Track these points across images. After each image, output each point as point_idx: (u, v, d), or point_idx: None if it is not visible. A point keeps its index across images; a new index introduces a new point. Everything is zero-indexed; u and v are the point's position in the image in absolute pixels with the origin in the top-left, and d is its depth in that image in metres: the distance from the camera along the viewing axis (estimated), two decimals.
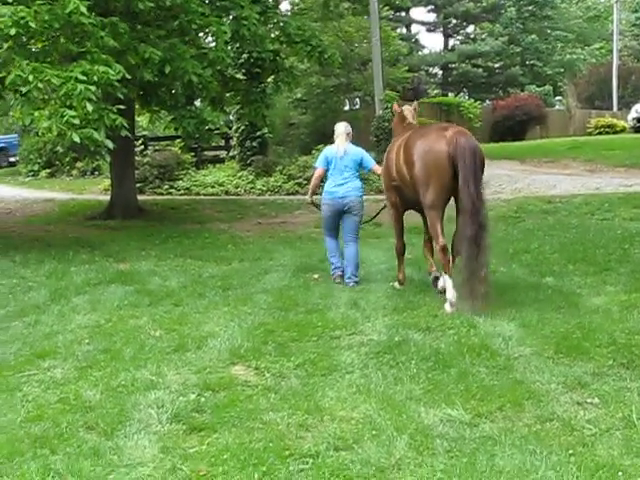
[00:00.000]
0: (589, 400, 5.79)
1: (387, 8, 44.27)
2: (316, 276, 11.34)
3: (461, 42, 61.22)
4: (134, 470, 4.90)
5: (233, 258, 13.60)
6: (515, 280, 10.44)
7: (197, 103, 20.00)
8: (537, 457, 4.84)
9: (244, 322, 8.49)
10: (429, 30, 62.42)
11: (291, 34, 20.43)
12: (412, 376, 6.39)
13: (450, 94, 56.45)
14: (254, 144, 26.66)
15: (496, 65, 58.17)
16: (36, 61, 13.34)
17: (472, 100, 46.87)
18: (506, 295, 9.30)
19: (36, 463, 4.97)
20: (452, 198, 9.23)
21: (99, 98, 13.28)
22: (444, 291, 9.12)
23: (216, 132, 23.57)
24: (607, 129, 41.25)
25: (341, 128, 11.17)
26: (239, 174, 25.66)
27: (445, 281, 9.09)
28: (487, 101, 54.22)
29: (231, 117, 27.38)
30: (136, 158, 22.72)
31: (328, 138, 11.88)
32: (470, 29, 63.03)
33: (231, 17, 18.30)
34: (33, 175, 30.40)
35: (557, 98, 57.37)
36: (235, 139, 27.77)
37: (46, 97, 13.31)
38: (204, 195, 23.96)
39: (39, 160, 30.63)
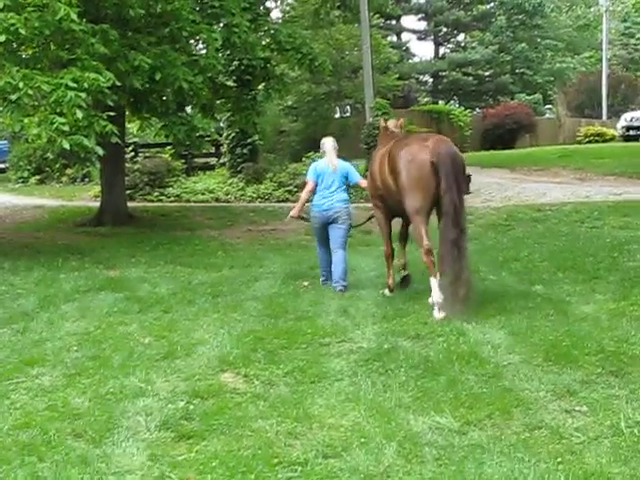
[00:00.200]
0: (577, 408, 5.79)
1: (378, 16, 44.35)
2: (306, 283, 11.34)
3: (451, 50, 61.35)
4: (122, 478, 4.89)
5: (223, 265, 13.59)
6: (505, 288, 10.45)
7: (188, 110, 19.97)
8: (525, 465, 4.85)
9: (233, 329, 8.48)
10: (420, 38, 62.55)
11: (282, 42, 20.48)
12: (401, 384, 6.39)
13: (440, 102, 56.51)
14: (244, 151, 26.65)
15: (486, 73, 58.31)
16: (26, 68, 13.32)
17: (462, 108, 46.96)
18: (495, 303, 9.32)
19: (23, 471, 4.95)
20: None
21: (89, 105, 13.26)
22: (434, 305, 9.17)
23: (207, 139, 23.53)
24: (597, 138, 41.39)
25: (330, 144, 11.48)
26: (229, 181, 25.64)
27: (431, 283, 9.17)
28: (477, 109, 54.34)
29: (222, 124, 27.36)
30: (126, 165, 22.66)
31: (319, 145, 11.94)
32: (460, 37, 63.21)
33: (222, 24, 18.31)
34: (23, 182, 30.27)
35: (547, 106, 57.63)
36: (225, 146, 27.75)
37: (36, 104, 13.28)
38: (194, 202, 23.91)
39: (29, 167, 30.53)
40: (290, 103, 40.16)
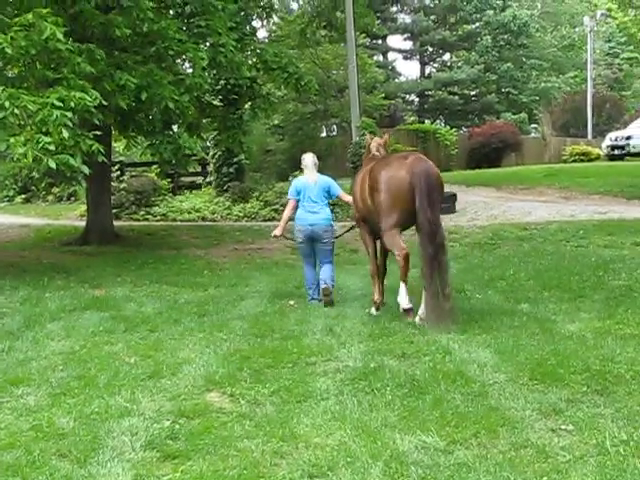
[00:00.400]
0: (563, 427, 5.80)
1: (364, 36, 44.64)
2: (292, 302, 11.33)
3: (437, 70, 61.75)
4: None
5: (209, 284, 13.57)
6: (490, 306, 10.46)
7: (174, 129, 19.99)
8: None
9: (219, 348, 8.46)
10: (405, 58, 62.96)
11: (268, 61, 20.54)
12: (387, 403, 6.39)
13: (427, 121, 56.83)
14: (231, 170, 26.71)
15: (472, 93, 58.66)
16: (12, 87, 13.29)
17: (448, 127, 47.31)
18: (481, 321, 9.33)
19: None
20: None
21: (75, 124, 13.25)
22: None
23: (193, 158, 23.56)
24: (582, 157, 41.59)
25: (309, 159, 11.81)
26: (216, 200, 25.67)
27: (400, 288, 9.76)
28: (463, 128, 54.66)
29: (208, 143, 27.40)
30: (112, 184, 22.61)
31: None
32: (446, 57, 63.68)
33: (208, 44, 18.34)
34: (8, 201, 30.25)
35: (532, 126, 57.92)
36: (212, 165, 27.79)
37: (22, 123, 13.25)
38: (181, 221, 23.91)
39: (15, 186, 30.52)
40: (276, 122, 40.29)
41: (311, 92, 23.43)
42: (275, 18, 31.13)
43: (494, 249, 17.07)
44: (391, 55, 61.96)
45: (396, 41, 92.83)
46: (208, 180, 29.22)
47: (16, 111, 12.75)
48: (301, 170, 12.15)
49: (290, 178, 23.59)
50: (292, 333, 9.16)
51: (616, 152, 36.85)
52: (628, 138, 36.58)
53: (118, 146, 26.41)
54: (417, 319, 9.40)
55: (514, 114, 54.43)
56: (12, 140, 12.88)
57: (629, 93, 64.71)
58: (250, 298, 11.98)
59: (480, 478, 4.93)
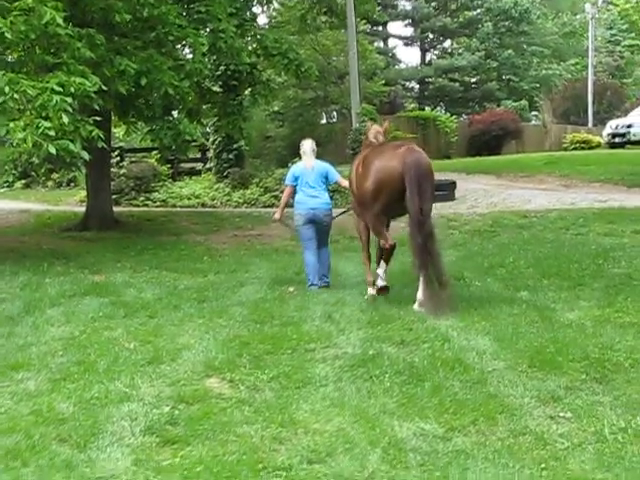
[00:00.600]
0: (562, 414, 5.81)
1: (364, 22, 44.52)
2: (291, 289, 11.34)
3: (438, 56, 61.55)
4: None
5: (209, 270, 13.59)
6: (490, 294, 10.47)
7: (174, 115, 19.96)
8: (510, 471, 4.86)
9: (219, 334, 8.47)
10: (406, 44, 62.74)
11: (268, 47, 20.51)
12: (386, 390, 6.40)
13: (427, 108, 56.72)
14: (231, 156, 26.69)
15: (472, 80, 58.54)
16: (12, 72, 13.28)
17: (448, 114, 47.17)
18: (480, 309, 9.33)
19: (7, 476, 4.94)
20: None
21: (75, 109, 13.23)
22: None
23: (193, 144, 23.54)
24: (582, 145, 41.52)
25: (308, 145, 11.96)
26: (215, 186, 25.65)
27: (381, 266, 10.28)
28: (463, 115, 54.57)
29: (208, 129, 27.38)
30: (112, 170, 22.62)
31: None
32: (447, 44, 63.46)
33: (208, 30, 18.31)
34: (8, 186, 30.25)
35: (533, 113, 57.85)
36: (212, 151, 27.77)
37: (22, 108, 13.23)
38: (180, 207, 23.90)
39: (14, 171, 30.51)
40: (276, 108, 40.27)
41: (311, 78, 23.47)
42: (275, 4, 31.06)
43: (494, 237, 17.05)
44: (392, 42, 61.84)
45: (397, 28, 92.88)
46: (208, 166, 29.20)
47: (16, 96, 12.74)
48: (300, 157, 12.17)
49: (289, 164, 23.61)
50: (291, 319, 9.17)
51: (617, 140, 36.76)
52: (629, 126, 36.47)
53: (118, 132, 26.37)
54: (415, 306, 9.46)
55: (515, 101, 54.31)
56: (12, 125, 12.87)
57: (630, 81, 64.51)
58: (250, 284, 11.98)
59: (479, 465, 4.95)
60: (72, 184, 29.09)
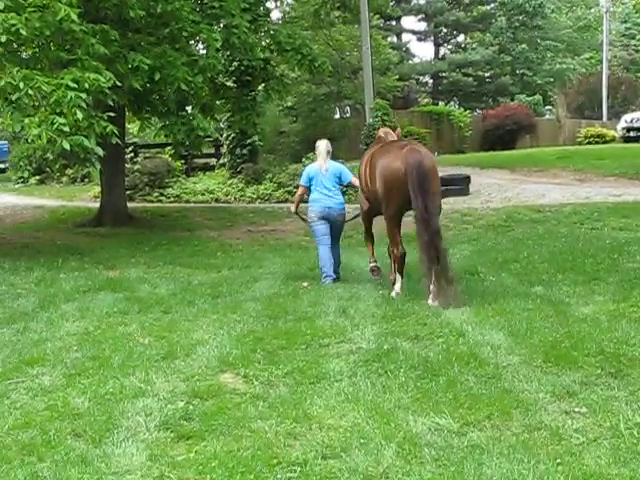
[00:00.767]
0: (577, 409, 5.78)
1: (378, 17, 44.47)
2: (305, 284, 11.34)
3: (451, 51, 61.36)
4: (122, 478, 4.89)
5: (223, 266, 13.60)
6: (504, 289, 10.43)
7: (188, 110, 19.99)
8: (525, 466, 4.84)
9: (233, 330, 8.48)
10: (420, 39, 62.58)
11: (282, 42, 20.50)
12: (400, 384, 6.39)
13: (440, 103, 56.56)
14: (244, 152, 26.69)
15: (486, 74, 58.29)
16: (26, 68, 13.33)
17: (462, 109, 47.07)
18: (495, 304, 9.30)
19: (23, 471, 4.95)
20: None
21: (89, 105, 13.27)
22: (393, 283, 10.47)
23: (207, 140, 23.56)
24: (597, 139, 41.38)
25: (323, 146, 11.99)
26: (229, 182, 25.67)
27: (396, 279, 10.43)
28: (477, 110, 54.39)
29: (221, 125, 27.39)
30: (126, 165, 22.71)
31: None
32: (461, 38, 63.24)
33: (222, 25, 18.32)
34: (23, 182, 30.33)
35: (547, 107, 57.61)
36: (225, 147, 27.78)
37: (36, 104, 13.29)
38: (194, 203, 23.94)
39: (29, 167, 30.58)
40: (290, 104, 40.23)
41: (325, 74, 23.44)
42: None
43: (508, 231, 17.01)
44: (405, 36, 61.66)
45: (410, 22, 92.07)
46: (221, 162, 29.24)
47: (30, 92, 12.79)
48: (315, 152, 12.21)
49: (304, 160, 23.62)
50: (305, 315, 9.17)
51: (631, 134, 36.66)
52: None
53: (132, 127, 26.40)
54: (430, 300, 9.59)
55: (528, 96, 54.04)
56: (26, 121, 12.93)
57: None
58: (263, 280, 11.99)
59: (493, 460, 4.93)
60: (86, 180, 29.18)
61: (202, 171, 30.02)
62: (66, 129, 12.62)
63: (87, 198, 24.86)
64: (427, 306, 9.32)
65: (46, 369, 7.18)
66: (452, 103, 58.30)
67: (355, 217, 12.47)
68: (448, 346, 7.50)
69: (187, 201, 24.18)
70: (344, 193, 12.24)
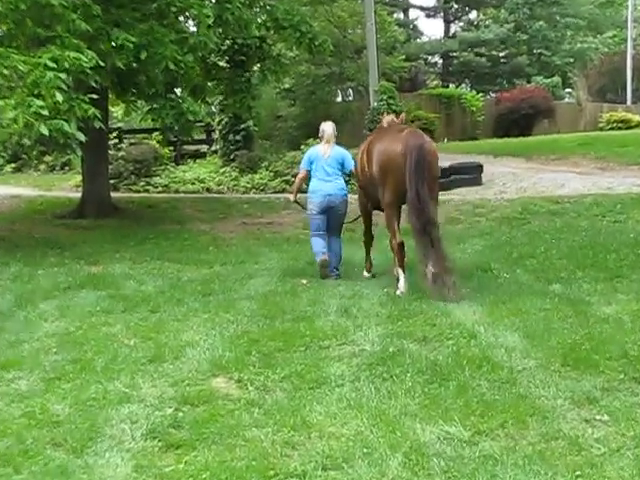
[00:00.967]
0: (598, 417, 5.80)
1: None
2: (304, 281, 11.35)
3: (463, 29, 61.26)
4: None
5: (215, 261, 13.60)
6: (519, 287, 10.45)
7: (178, 92, 19.95)
8: (541, 478, 4.86)
9: (226, 330, 8.49)
10: (428, 16, 62.50)
11: (279, 19, 20.44)
12: (407, 390, 6.40)
13: (451, 85, 56.55)
14: (238, 138, 26.64)
15: (501, 54, 58.18)
16: (1, 46, 13.30)
17: (474, 92, 46.98)
18: (509, 303, 9.33)
19: None
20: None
21: (70, 87, 13.24)
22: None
23: (197, 124, 23.52)
24: (620, 124, 41.28)
25: (329, 130, 12.13)
26: (222, 170, 25.62)
27: (399, 274, 10.51)
28: (491, 93, 54.34)
29: (213, 108, 27.37)
30: (110, 152, 22.64)
31: (318, 131, 12.13)
32: (473, 15, 63.15)
33: (214, 0, 18.29)
34: None
35: (566, 90, 57.49)
36: (218, 132, 27.73)
37: (12, 85, 13.25)
38: (184, 193, 23.90)
39: (4, 154, 30.47)
40: (287, 86, 40.19)
41: (325, 53, 23.39)
42: None
43: (523, 224, 17.02)
44: (413, 13, 61.64)
45: None
46: (213, 148, 29.18)
47: (5, 72, 12.75)
48: (315, 138, 12.23)
49: (302, 147, 23.61)
50: (304, 314, 9.18)
51: None
52: None
53: (116, 111, 26.37)
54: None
55: (546, 77, 53.94)
56: (1, 103, 12.87)
57: None
58: (259, 276, 12.01)
59: (508, 472, 4.94)
60: (66, 168, 29.13)
61: (192, 159, 29.93)
62: (44, 112, 12.57)
63: (67, 187, 24.81)
64: (435, 305, 9.34)
65: (23, 373, 7.18)
66: (463, 85, 58.24)
67: (356, 219, 12.59)
68: (459, 348, 7.52)
69: (176, 191, 24.14)
70: (347, 183, 12.24)
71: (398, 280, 10.50)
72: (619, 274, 10.96)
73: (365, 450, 5.30)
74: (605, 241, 13.63)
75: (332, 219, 11.90)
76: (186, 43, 16.67)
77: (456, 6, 60.61)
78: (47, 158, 29.67)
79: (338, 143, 12.17)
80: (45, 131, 12.70)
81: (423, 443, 5.41)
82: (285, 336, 8.14)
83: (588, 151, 27.20)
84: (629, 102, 50.47)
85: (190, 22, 19.55)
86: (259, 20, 20.88)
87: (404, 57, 45.64)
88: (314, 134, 12.23)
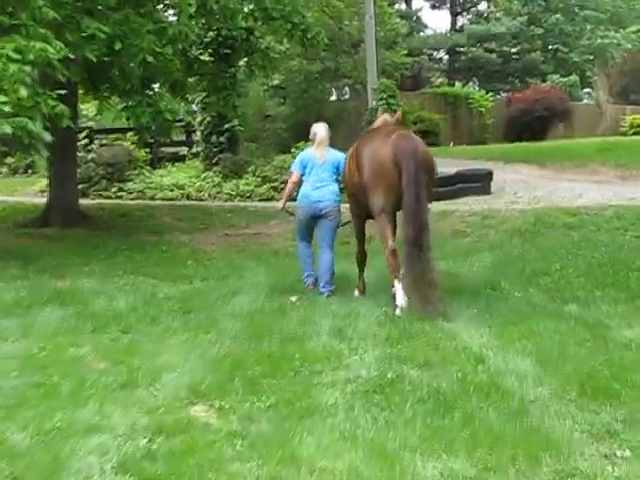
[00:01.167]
0: (619, 453, 5.79)
1: None
2: (294, 299, 11.36)
3: (471, 21, 61.42)
4: None
5: (194, 276, 13.61)
6: (532, 307, 10.47)
7: (155, 88, 19.95)
8: None
9: (207, 353, 8.47)
10: (433, 7, 62.69)
11: (268, 9, 20.45)
12: (407, 420, 6.39)
13: (457, 83, 56.67)
14: (222, 139, 26.68)
15: (513, 50, 58.31)
16: None
17: (483, 91, 47.05)
18: (521, 325, 9.34)
19: None
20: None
21: (35, 81, 13.23)
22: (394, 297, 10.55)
23: (177, 124, 23.55)
24: None
25: (323, 132, 12.24)
26: (203, 175, 25.66)
27: (395, 286, 10.52)
28: (501, 93, 54.44)
29: (194, 107, 27.40)
30: (79, 154, 22.67)
31: (310, 134, 12.16)
32: (482, 6, 63.35)
33: None
34: None
35: (585, 90, 57.63)
36: (199, 133, 27.79)
37: None
38: (161, 200, 23.93)
39: None
40: (277, 83, 40.25)
41: (319, 47, 23.45)
42: None
43: (537, 238, 17.05)
44: (416, 3, 62.14)
45: None
46: (194, 151, 29.25)
47: None
48: (307, 140, 12.25)
49: (293, 150, 23.63)
50: (294, 335, 9.18)
51: None
52: None
53: (86, 109, 26.39)
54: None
55: (563, 76, 54.07)
56: None
57: None
58: (244, 293, 12.00)
59: None
60: (30, 171, 29.18)
61: (171, 162, 29.96)
62: (7, 109, 12.56)
63: (31, 192, 24.85)
64: (439, 326, 9.34)
65: None
66: (471, 84, 58.40)
67: (346, 223, 12.65)
68: (464, 375, 7.51)
69: (152, 198, 24.16)
70: (341, 190, 12.28)
71: (394, 295, 10.53)
72: None
73: None
74: (627, 258, 13.65)
75: (322, 228, 12.02)
76: (165, 34, 16.67)
77: None
78: (9, 160, 29.69)
79: (332, 146, 12.19)
80: (8, 130, 12.67)
81: (424, 479, 5.40)
82: (272, 359, 8.13)
83: (608, 158, 27.25)
84: None
85: (170, 11, 19.56)
86: (246, 10, 20.93)
87: (406, 52, 45.76)
88: (306, 136, 12.26)
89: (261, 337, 9.10)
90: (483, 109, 42.78)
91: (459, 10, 62.28)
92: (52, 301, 11.29)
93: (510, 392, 6.99)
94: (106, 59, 15.70)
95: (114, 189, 24.54)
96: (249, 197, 23.75)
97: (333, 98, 45.96)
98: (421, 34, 59.60)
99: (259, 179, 24.25)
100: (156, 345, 8.91)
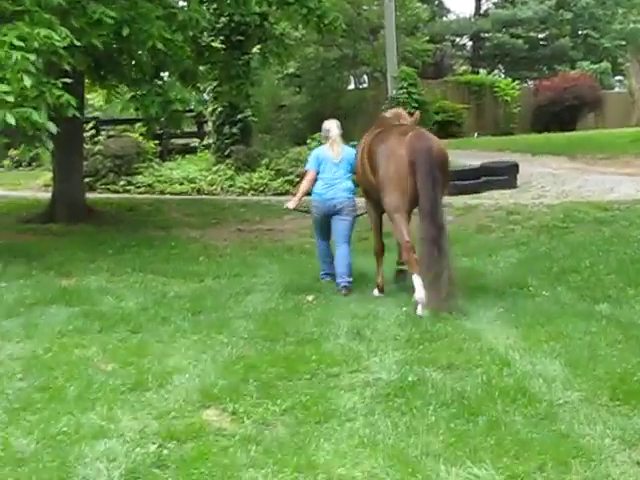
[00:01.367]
0: None
1: None
2: (310, 298, 11.35)
3: (497, 6, 61.28)
4: None
5: (206, 274, 13.59)
6: (561, 307, 10.44)
7: (165, 77, 19.95)
8: None
9: (219, 355, 8.49)
10: None
11: None
12: (429, 426, 6.39)
13: (482, 71, 56.53)
14: (234, 130, 26.64)
15: (540, 35, 58.20)
16: None
17: (509, 79, 46.97)
18: (549, 325, 9.31)
19: None
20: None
21: (40, 69, 13.25)
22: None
23: (187, 115, 23.53)
24: None
25: (335, 129, 12.52)
26: (215, 168, 25.63)
27: (414, 281, 10.58)
28: (528, 81, 54.32)
29: (206, 96, 27.40)
30: (85, 146, 22.68)
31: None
32: None
33: None
34: None
35: (617, 78, 57.47)
36: (211, 124, 27.75)
37: None
38: (170, 194, 23.92)
39: None
40: (292, 71, 40.21)
41: (336, 33, 23.37)
42: None
43: (565, 234, 16.98)
44: None
45: None
46: (205, 143, 29.20)
47: None
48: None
49: (309, 142, 23.61)
50: (310, 336, 9.19)
51: None
52: None
53: (93, 99, 26.42)
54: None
55: (593, 63, 53.99)
56: None
57: None
58: (258, 292, 12.00)
59: None
60: (34, 164, 29.21)
61: (181, 154, 29.96)
62: (10, 99, 12.58)
63: (35, 186, 24.89)
64: (462, 326, 9.34)
65: None
66: (496, 72, 58.29)
67: (361, 214, 12.81)
68: (489, 378, 7.51)
69: (162, 192, 24.16)
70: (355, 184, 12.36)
71: (414, 289, 10.53)
72: None
73: None
74: None
75: (338, 224, 12.15)
76: (175, 20, 16.65)
77: None
78: (12, 152, 29.71)
79: (351, 137, 12.29)
80: (11, 120, 12.68)
81: None
82: (288, 362, 8.14)
83: None
84: None
85: None
86: None
87: (428, 38, 45.67)
88: (322, 130, 12.26)
89: (276, 338, 9.12)
90: (509, 98, 42.73)
91: None
92: (57, 300, 11.32)
93: (538, 396, 6.99)
94: (113, 46, 15.69)
95: (122, 182, 24.54)
96: (262, 191, 23.71)
97: (351, 87, 45.93)
98: (443, 19, 59.60)
99: (273, 172, 24.19)
100: (166, 346, 8.94)
